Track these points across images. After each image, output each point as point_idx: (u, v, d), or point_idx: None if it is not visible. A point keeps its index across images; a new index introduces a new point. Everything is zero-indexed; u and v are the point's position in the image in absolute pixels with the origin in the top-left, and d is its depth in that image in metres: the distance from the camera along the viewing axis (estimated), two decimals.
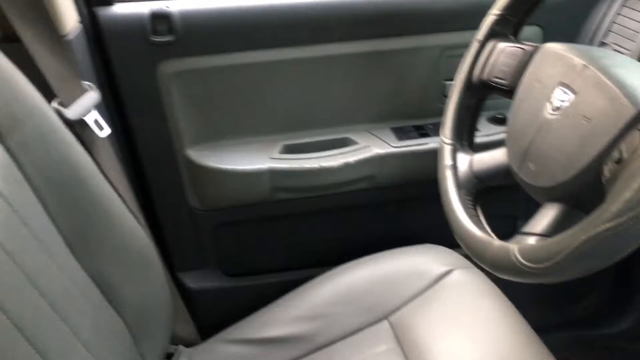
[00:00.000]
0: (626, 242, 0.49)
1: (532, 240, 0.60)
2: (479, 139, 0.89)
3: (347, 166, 0.97)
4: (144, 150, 0.97)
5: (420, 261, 0.94)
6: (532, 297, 1.21)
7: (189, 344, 0.95)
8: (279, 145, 1.00)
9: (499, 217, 0.76)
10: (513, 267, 0.58)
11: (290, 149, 1.00)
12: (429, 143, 1.00)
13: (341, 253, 1.00)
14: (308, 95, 0.99)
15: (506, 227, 0.98)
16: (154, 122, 0.95)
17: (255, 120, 1.00)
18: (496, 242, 0.63)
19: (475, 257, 0.66)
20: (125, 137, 0.96)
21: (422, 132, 1.03)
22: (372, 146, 1.00)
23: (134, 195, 0.85)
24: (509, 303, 0.87)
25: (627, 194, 0.48)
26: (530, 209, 0.66)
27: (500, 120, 1.05)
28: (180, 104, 0.94)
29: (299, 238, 1.06)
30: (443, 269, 0.92)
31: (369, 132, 1.04)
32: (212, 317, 1.02)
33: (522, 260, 0.57)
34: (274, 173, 0.96)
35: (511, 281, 1.02)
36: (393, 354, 0.83)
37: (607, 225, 0.49)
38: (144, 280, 0.79)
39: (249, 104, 0.98)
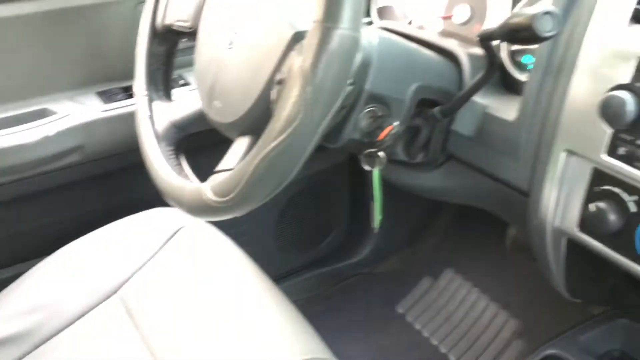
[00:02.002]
0: (293, 157, 0.51)
1: (222, 177, 0.59)
2: (189, 92, 0.86)
3: (47, 140, 0.87)
4: None
5: (145, 227, 0.90)
6: (275, 246, 1.25)
7: None
8: None
9: None
10: (205, 206, 0.57)
11: None
12: None
13: (62, 238, 0.90)
14: None
15: None
16: None
17: None
18: (190, 185, 0.62)
19: (177, 203, 0.64)
20: None
21: (130, 93, 0.97)
22: (75, 114, 0.91)
23: None
24: (240, 252, 0.87)
25: (285, 112, 0.49)
26: None
27: None
28: None
29: (6, 230, 0.93)
30: (170, 229, 0.89)
31: (72, 100, 0.94)
32: None
33: (213, 197, 0.56)
34: None
35: (251, 233, 1.03)
36: (126, 332, 0.78)
37: (274, 143, 0.50)
38: None
39: None
